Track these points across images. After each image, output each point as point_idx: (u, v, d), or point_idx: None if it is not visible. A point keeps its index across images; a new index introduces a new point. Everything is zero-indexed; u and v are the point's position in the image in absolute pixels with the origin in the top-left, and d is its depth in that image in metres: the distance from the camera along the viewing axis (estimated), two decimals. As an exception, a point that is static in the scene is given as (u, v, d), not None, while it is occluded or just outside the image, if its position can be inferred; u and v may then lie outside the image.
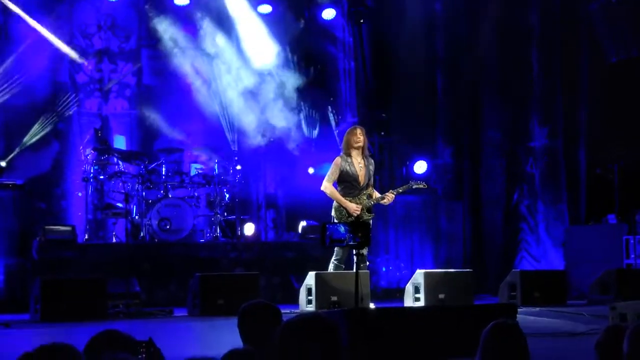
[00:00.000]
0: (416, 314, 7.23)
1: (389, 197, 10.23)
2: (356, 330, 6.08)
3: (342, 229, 8.10)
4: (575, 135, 14.77)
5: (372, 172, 10.34)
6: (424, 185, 10.69)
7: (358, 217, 10.04)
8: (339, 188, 10.19)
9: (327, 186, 10.20)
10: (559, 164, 14.82)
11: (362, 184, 10.17)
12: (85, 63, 14.23)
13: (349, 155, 10.20)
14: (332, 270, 10.17)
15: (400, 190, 10.44)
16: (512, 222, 15.05)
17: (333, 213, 10.19)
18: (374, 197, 10.24)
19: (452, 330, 6.33)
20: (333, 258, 10.18)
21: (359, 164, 10.19)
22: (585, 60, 14.71)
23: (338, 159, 10.25)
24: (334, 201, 10.17)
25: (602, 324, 7.84)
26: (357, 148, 10.22)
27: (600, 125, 14.35)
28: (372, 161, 10.47)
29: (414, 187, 10.53)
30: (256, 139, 14.83)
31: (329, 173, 10.26)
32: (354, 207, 10.05)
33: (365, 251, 9.68)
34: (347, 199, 10.10)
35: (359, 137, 10.24)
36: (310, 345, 3.24)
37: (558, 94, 14.85)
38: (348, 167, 10.15)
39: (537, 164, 14.90)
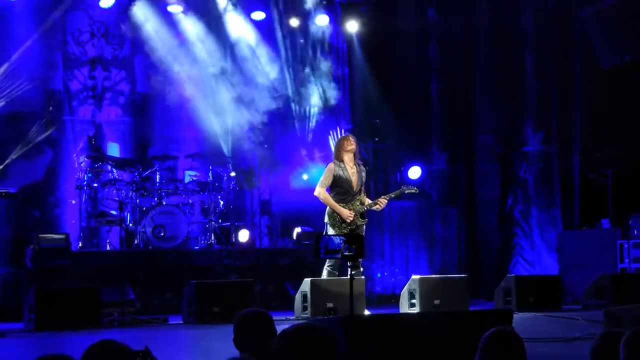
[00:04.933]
0: (412, 320, 7.21)
1: (381, 202, 10.22)
2: (352, 337, 6.07)
3: (336, 239, 8.07)
4: (569, 140, 14.78)
5: (364, 178, 10.35)
6: (416, 190, 10.64)
7: (351, 222, 10.04)
8: (332, 194, 10.17)
9: (320, 192, 10.17)
10: (552, 169, 14.84)
11: (355, 189, 10.16)
12: None
13: (341, 160, 10.20)
14: (325, 277, 10.17)
15: (393, 196, 10.43)
16: (506, 227, 15.06)
17: (326, 219, 10.17)
18: (366, 203, 10.23)
19: (448, 336, 6.32)
20: (326, 265, 10.17)
21: (351, 170, 10.19)
22: (579, 65, 14.73)
23: (331, 165, 10.24)
24: (327, 207, 10.16)
25: (597, 329, 7.84)
26: (350, 151, 10.21)
27: (594, 130, 14.38)
28: (364, 168, 10.47)
29: (406, 192, 10.49)
30: (249, 146, 14.82)
31: (322, 179, 10.25)
32: (347, 213, 10.04)
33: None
34: (340, 205, 10.09)
35: (352, 142, 10.25)
36: (308, 356, 3.23)
37: (552, 99, 14.88)
38: (342, 173, 10.14)
39: (530, 169, 14.92)
